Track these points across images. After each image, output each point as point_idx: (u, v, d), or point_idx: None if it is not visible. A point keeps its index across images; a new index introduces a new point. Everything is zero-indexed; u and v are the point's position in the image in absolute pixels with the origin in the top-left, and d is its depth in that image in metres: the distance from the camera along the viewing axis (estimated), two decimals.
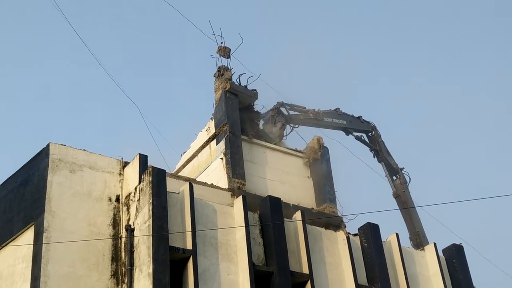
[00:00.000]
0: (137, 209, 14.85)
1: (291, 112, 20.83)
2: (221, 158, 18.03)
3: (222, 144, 18.26)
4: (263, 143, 19.52)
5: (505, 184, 40.14)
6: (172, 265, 14.14)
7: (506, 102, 47.85)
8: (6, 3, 46.04)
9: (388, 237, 18.57)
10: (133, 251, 14.49)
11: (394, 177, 23.12)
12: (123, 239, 14.84)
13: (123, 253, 14.71)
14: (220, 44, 20.11)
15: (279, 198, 16.69)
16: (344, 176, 20.65)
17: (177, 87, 49.30)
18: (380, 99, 45.50)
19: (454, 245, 19.62)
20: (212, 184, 17.31)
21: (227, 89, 19.03)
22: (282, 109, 20.56)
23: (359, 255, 17.59)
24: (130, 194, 15.32)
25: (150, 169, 14.93)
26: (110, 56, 45.45)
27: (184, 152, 20.45)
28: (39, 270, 13.68)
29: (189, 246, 14.58)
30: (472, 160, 47.76)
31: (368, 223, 17.94)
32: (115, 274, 14.54)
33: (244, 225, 15.50)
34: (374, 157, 23.35)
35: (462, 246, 19.72)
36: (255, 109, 19.75)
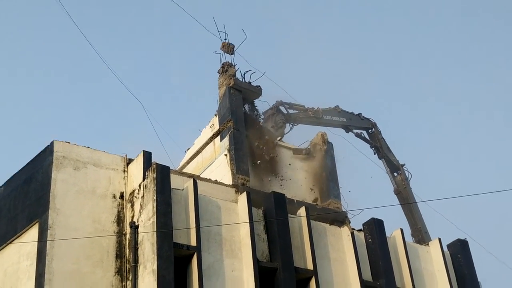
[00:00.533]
0: (141, 206, 14.87)
1: (290, 111, 20.83)
2: (225, 155, 18.04)
3: (226, 140, 18.26)
4: (268, 139, 19.50)
5: (510, 178, 40.07)
6: (176, 262, 14.15)
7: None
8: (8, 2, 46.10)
9: (392, 233, 18.54)
10: (137, 248, 14.51)
11: (395, 174, 23.10)
12: (128, 236, 14.87)
13: (127, 250, 14.74)
14: (224, 41, 20.12)
15: (283, 194, 16.69)
16: (348, 172, 20.62)
17: (181, 83, 49.32)
18: (380, 95, 45.44)
19: (459, 240, 19.58)
20: (216, 180, 17.31)
21: (231, 85, 19.03)
22: (282, 108, 20.56)
23: (363, 250, 17.58)
24: (134, 191, 15.34)
25: (154, 166, 14.94)
26: (114, 53, 45.48)
27: (188, 149, 20.47)
28: (44, 267, 13.72)
29: (193, 242, 14.59)
30: (475, 154, 47.67)
31: (373, 218, 17.92)
32: (119, 271, 14.57)
33: (248, 221, 15.50)
34: (374, 154, 23.33)
35: (467, 241, 19.67)
36: (255, 106, 19.74)
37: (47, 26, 48.78)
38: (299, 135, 20.65)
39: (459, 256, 19.30)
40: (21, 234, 15.02)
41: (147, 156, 15.53)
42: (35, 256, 14.16)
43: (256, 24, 47.40)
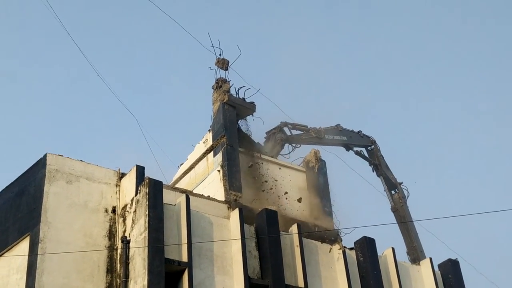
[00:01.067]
0: (133, 221, 14.84)
1: (294, 132, 20.95)
2: (218, 170, 18.05)
3: (219, 156, 18.28)
4: (261, 156, 19.54)
5: (502, 200, 40.18)
6: (167, 277, 14.10)
7: (505, 115, 48.00)
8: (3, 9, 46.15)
9: (384, 252, 18.55)
10: (129, 263, 14.46)
11: (393, 192, 23.19)
12: (119, 251, 14.82)
13: (118, 265, 14.69)
14: (219, 56, 20.21)
15: (276, 211, 16.69)
16: (342, 190, 20.70)
17: (175, 98, 49.38)
18: (379, 114, 45.61)
19: (450, 260, 19.60)
20: (208, 196, 17.31)
21: (225, 101, 19.09)
22: (286, 129, 20.68)
23: (354, 269, 17.57)
24: (126, 205, 15.31)
25: (147, 180, 14.93)
26: (109, 67, 45.54)
27: (181, 164, 20.47)
28: (34, 281, 13.64)
29: (184, 258, 14.56)
30: (469, 175, 47.82)
31: (364, 237, 17.93)
32: (110, 286, 14.50)
33: (240, 237, 15.49)
34: (373, 171, 23.43)
35: (458, 262, 19.70)
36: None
37: (40, 37, 48.79)
38: (293, 152, 20.74)
39: (450, 276, 19.31)
40: (12, 247, 14.94)
41: (140, 170, 15.52)
42: (25, 269, 14.09)
43: (251, 41, 47.57)
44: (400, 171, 23.60)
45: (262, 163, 19.24)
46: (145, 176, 15.29)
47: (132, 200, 15.14)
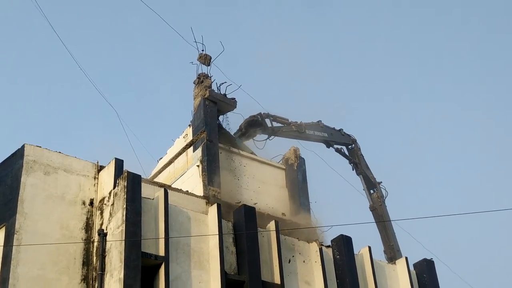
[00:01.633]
0: (110, 214, 14.79)
1: (274, 124, 20.97)
2: (198, 166, 18.04)
3: (199, 151, 18.27)
4: (240, 152, 19.58)
5: (478, 201, 40.59)
6: (144, 271, 14.08)
7: (483, 115, 48.44)
8: None
9: (360, 250, 18.66)
10: (105, 256, 14.41)
11: (372, 191, 23.34)
12: (95, 244, 14.77)
13: (94, 258, 14.64)
14: (201, 52, 20.17)
15: (254, 207, 16.72)
16: (320, 187, 20.79)
17: (156, 93, 49.21)
18: (358, 114, 45.79)
19: (425, 260, 19.78)
20: (187, 191, 17.29)
21: (206, 96, 19.07)
22: (267, 120, 20.71)
23: (331, 266, 17.66)
24: (104, 198, 15.25)
25: (126, 174, 14.88)
26: (90, 60, 45.21)
27: (161, 158, 20.43)
28: (8, 272, 13.55)
29: (161, 252, 14.54)
30: (447, 176, 48.22)
31: (341, 235, 18.02)
32: (85, 279, 14.45)
33: (217, 233, 15.50)
34: (353, 170, 23.58)
35: (433, 261, 19.88)
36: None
37: (19, 27, 48.35)
38: (273, 148, 20.79)
39: (425, 276, 19.48)
40: None
41: (119, 163, 15.47)
42: (0, 260, 13.97)
43: (234, 37, 47.56)
44: (379, 171, 23.78)
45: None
46: (124, 169, 15.25)
47: (110, 193, 15.08)
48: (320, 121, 22.47)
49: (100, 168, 15.88)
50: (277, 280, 16.10)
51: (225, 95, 19.56)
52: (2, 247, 14.07)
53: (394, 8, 51.07)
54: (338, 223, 16.67)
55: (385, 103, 49.56)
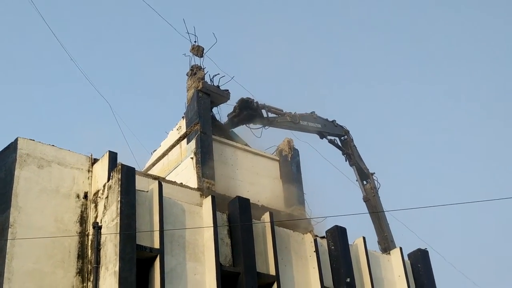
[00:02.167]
0: (105, 207, 14.77)
1: (269, 114, 21.00)
2: (191, 158, 18.02)
3: (192, 143, 18.25)
4: (234, 143, 19.58)
5: (473, 191, 40.71)
6: (139, 264, 14.08)
7: (480, 107, 48.52)
8: None
9: (355, 241, 18.71)
10: (100, 249, 14.41)
11: (365, 182, 23.41)
12: (90, 237, 14.75)
13: (89, 251, 14.63)
14: (194, 43, 20.13)
15: (248, 199, 16.72)
16: (314, 179, 20.83)
17: (149, 84, 49.07)
18: (351, 103, 45.82)
19: (419, 250, 19.84)
20: (181, 183, 17.28)
21: (199, 88, 19.04)
22: (263, 111, 20.73)
23: (326, 257, 17.70)
24: (98, 191, 15.23)
25: (119, 166, 14.86)
26: (81, 52, 45.05)
27: (155, 150, 20.39)
28: (3, 266, 13.51)
29: (156, 245, 14.54)
30: (441, 166, 48.35)
31: (336, 226, 18.06)
32: (80, 272, 14.44)
33: (212, 225, 15.51)
34: (346, 161, 23.64)
35: (427, 251, 19.96)
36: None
37: (9, 20, 48.08)
38: (267, 141, 20.80)
39: (419, 266, 19.56)
40: None
41: (113, 156, 15.43)
42: None
43: (227, 28, 47.42)
44: (372, 162, 23.84)
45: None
46: (118, 162, 15.21)
47: (104, 186, 15.06)
48: (314, 112, 22.50)
49: (94, 161, 15.84)
50: (272, 271, 16.14)
51: (218, 86, 19.52)
52: None
53: None
54: (333, 214, 16.73)
55: (378, 93, 49.57)
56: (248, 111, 20.40)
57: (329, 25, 51.64)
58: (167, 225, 14.97)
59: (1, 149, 15.36)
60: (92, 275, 14.20)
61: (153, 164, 19.93)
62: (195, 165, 17.78)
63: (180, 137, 18.97)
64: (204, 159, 17.83)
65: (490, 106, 48.20)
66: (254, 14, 48.80)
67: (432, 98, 49.47)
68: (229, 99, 19.77)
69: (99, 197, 15.10)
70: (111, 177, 14.95)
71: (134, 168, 15.11)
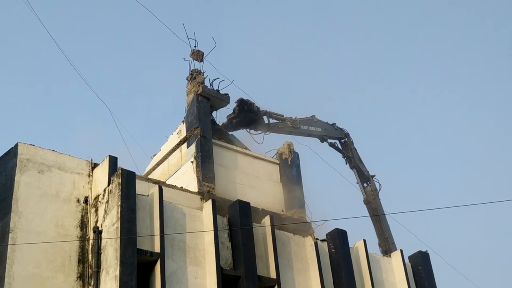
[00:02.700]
0: (105, 211, 14.79)
1: (270, 120, 21.06)
2: (192, 162, 18.03)
3: (193, 147, 18.26)
4: (234, 147, 19.59)
5: (473, 193, 40.73)
6: (140, 268, 14.09)
7: (481, 111, 48.52)
8: None
9: (355, 243, 18.72)
10: (100, 253, 14.42)
11: (365, 184, 23.44)
12: (91, 241, 14.76)
13: (90, 255, 14.63)
14: (193, 48, 20.15)
15: (248, 203, 16.73)
16: (315, 182, 20.85)
17: (149, 89, 49.14)
18: (352, 106, 45.88)
19: (420, 252, 19.86)
20: (181, 187, 17.30)
21: (199, 92, 19.06)
22: (264, 118, 20.79)
23: (326, 260, 17.71)
24: (98, 195, 15.24)
25: (120, 171, 14.87)
26: (81, 56, 45.13)
27: (155, 155, 20.41)
28: (4, 271, 13.53)
29: (157, 249, 14.55)
30: (443, 168, 48.35)
31: (336, 229, 18.07)
32: (81, 276, 14.44)
33: (212, 229, 15.51)
34: (346, 164, 23.67)
35: (428, 253, 19.97)
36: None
37: (9, 24, 48.15)
38: (267, 144, 20.83)
39: (420, 268, 19.57)
40: None
41: (113, 161, 15.45)
42: None
43: (226, 33, 47.50)
44: (372, 164, 23.87)
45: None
46: (118, 166, 15.23)
47: (104, 190, 15.07)
48: (314, 116, 22.56)
49: (94, 166, 15.86)
50: (273, 274, 16.15)
51: (218, 91, 19.54)
52: None
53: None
54: (333, 217, 16.73)
55: (379, 96, 49.62)
56: (249, 114, 20.43)
57: (328, 28, 51.73)
58: (167, 229, 14.98)
59: (2, 154, 15.39)
60: (92, 279, 14.21)
61: (153, 168, 19.94)
62: (195, 169, 17.80)
63: (180, 141, 18.99)
64: (204, 163, 17.84)
65: (490, 109, 48.25)
66: (253, 19, 48.89)
67: (433, 101, 49.54)
68: (228, 103, 19.80)
69: (100, 201, 15.11)
70: (111, 182, 14.97)
71: (134, 173, 15.13)
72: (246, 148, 20.01)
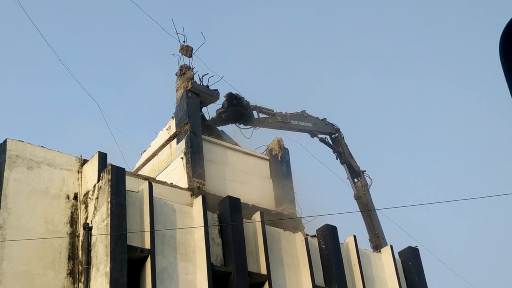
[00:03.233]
0: (95, 207, 14.72)
1: (260, 115, 21.00)
2: (181, 158, 17.97)
3: (182, 143, 18.20)
4: (224, 143, 19.54)
5: (463, 189, 40.89)
6: (130, 264, 14.04)
7: (472, 106, 48.67)
8: None
9: (345, 239, 18.75)
10: (91, 250, 14.36)
11: (356, 180, 23.43)
12: (81, 238, 14.70)
13: (80, 252, 14.58)
14: (183, 43, 20.07)
15: (239, 199, 16.72)
16: (305, 177, 20.84)
17: (138, 84, 48.98)
18: (342, 100, 45.89)
19: (410, 247, 19.91)
20: (171, 183, 17.24)
21: (188, 88, 18.98)
22: (254, 112, 20.71)
23: (317, 256, 17.73)
24: (88, 192, 15.18)
25: (109, 167, 14.81)
26: (70, 53, 44.90)
27: (144, 151, 20.33)
28: None
29: (147, 245, 14.51)
30: (433, 164, 48.51)
31: (326, 224, 18.09)
32: (71, 273, 14.38)
33: (203, 225, 15.49)
34: (337, 159, 23.64)
35: (417, 249, 20.03)
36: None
37: (3, 23, 47.86)
38: (256, 140, 20.79)
39: (410, 264, 19.63)
40: None
41: (103, 157, 15.38)
42: None
43: (216, 27, 47.39)
44: (362, 159, 23.88)
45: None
46: (108, 162, 15.17)
47: (94, 186, 15.01)
48: (304, 111, 22.52)
49: (84, 162, 15.78)
50: (264, 270, 16.15)
51: (207, 86, 19.47)
52: None
53: None
54: (323, 213, 16.72)
55: (370, 90, 49.67)
56: (238, 109, 20.36)
57: (319, 23, 51.72)
58: (157, 225, 14.94)
59: None
60: (83, 276, 14.16)
61: (143, 165, 19.87)
62: (185, 165, 17.74)
63: (170, 137, 18.92)
64: (194, 159, 17.79)
65: (482, 104, 48.40)
66: (242, 14, 48.79)
67: (424, 95, 49.68)
68: (218, 98, 19.74)
69: (89, 198, 15.04)
70: (101, 178, 14.90)
71: (124, 169, 15.08)
72: (236, 144, 19.97)
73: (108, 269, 13.57)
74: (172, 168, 18.32)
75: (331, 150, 23.49)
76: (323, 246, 17.93)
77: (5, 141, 14.98)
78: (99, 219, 14.42)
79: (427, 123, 49.22)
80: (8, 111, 45.68)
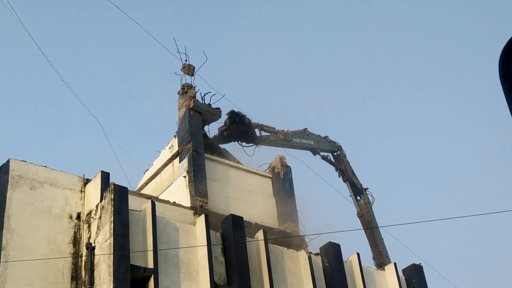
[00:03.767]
0: (98, 227, 14.71)
1: (262, 133, 21.04)
2: (184, 176, 17.99)
3: (185, 162, 18.22)
4: (226, 161, 19.56)
5: (467, 205, 40.78)
6: (133, 284, 14.00)
7: (470, 117, 48.63)
8: None
9: (349, 257, 18.68)
10: (94, 270, 14.32)
11: (358, 197, 23.41)
12: (84, 258, 14.66)
13: (83, 272, 14.53)
14: (185, 62, 20.17)
15: (241, 217, 16.69)
16: (307, 195, 20.81)
17: (140, 104, 49.10)
18: (344, 118, 45.93)
19: (413, 265, 19.83)
20: (174, 202, 17.24)
21: (190, 107, 19.04)
22: (256, 130, 20.75)
23: (320, 274, 17.65)
24: (91, 211, 15.17)
25: (112, 186, 14.81)
26: (73, 72, 45.05)
27: (147, 170, 20.35)
28: None
29: (150, 264, 14.47)
30: (436, 181, 48.41)
31: (330, 242, 18.03)
32: None
33: (206, 244, 15.45)
34: (339, 177, 23.63)
35: (421, 266, 19.94)
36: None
37: (3, 39, 48.02)
38: (260, 157, 20.81)
39: (414, 281, 19.53)
40: None
41: (105, 176, 15.39)
42: None
43: (217, 47, 47.58)
44: (365, 177, 23.86)
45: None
46: (110, 182, 15.17)
47: (97, 206, 15.00)
48: (306, 128, 22.54)
49: (86, 181, 15.79)
50: None
51: (209, 105, 19.54)
52: None
53: (378, 5, 51.02)
54: (326, 231, 16.69)
55: (371, 108, 49.67)
56: (240, 127, 20.40)
57: (318, 42, 51.89)
58: (160, 244, 14.91)
59: None
60: None
61: (146, 184, 19.88)
62: (187, 184, 17.75)
63: (172, 155, 18.95)
64: (197, 178, 17.80)
65: (483, 120, 48.37)
66: (244, 33, 49.02)
67: (425, 113, 49.66)
68: (220, 117, 19.80)
69: (92, 217, 15.03)
70: (103, 197, 14.90)
71: (126, 188, 15.08)
72: (238, 162, 19.99)
73: None
74: (175, 187, 18.33)
75: (334, 167, 23.48)
76: (327, 264, 17.87)
77: (8, 161, 15.00)
78: (102, 238, 14.40)
79: (431, 140, 49.21)
80: (9, 131, 45.79)
